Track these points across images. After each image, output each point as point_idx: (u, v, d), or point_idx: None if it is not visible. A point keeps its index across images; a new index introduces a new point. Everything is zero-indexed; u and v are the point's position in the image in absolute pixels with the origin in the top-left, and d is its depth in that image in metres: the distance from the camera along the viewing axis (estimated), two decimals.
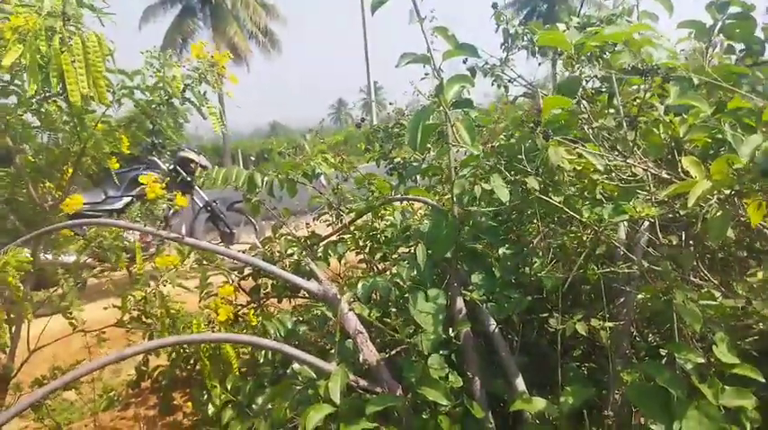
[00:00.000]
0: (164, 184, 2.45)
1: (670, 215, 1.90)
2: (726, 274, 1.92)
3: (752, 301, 1.53)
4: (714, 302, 1.61)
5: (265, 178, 2.84)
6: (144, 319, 2.36)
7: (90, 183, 5.53)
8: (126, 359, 1.68)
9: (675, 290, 1.41)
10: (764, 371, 1.82)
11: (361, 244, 3.00)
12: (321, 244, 3.02)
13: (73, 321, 2.28)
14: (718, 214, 1.36)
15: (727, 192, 1.40)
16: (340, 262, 3.05)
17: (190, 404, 3.39)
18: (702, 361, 1.39)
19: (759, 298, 1.64)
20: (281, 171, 2.87)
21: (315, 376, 1.90)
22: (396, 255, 2.80)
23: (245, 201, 2.91)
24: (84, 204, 5.29)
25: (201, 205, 5.99)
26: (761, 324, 1.80)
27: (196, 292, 2.76)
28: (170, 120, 2.20)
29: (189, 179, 5.72)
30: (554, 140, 1.56)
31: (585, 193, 1.72)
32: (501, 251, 2.30)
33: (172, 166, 5.85)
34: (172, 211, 5.59)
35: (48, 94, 2.10)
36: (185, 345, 2.40)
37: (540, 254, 1.95)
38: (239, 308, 2.89)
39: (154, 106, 2.21)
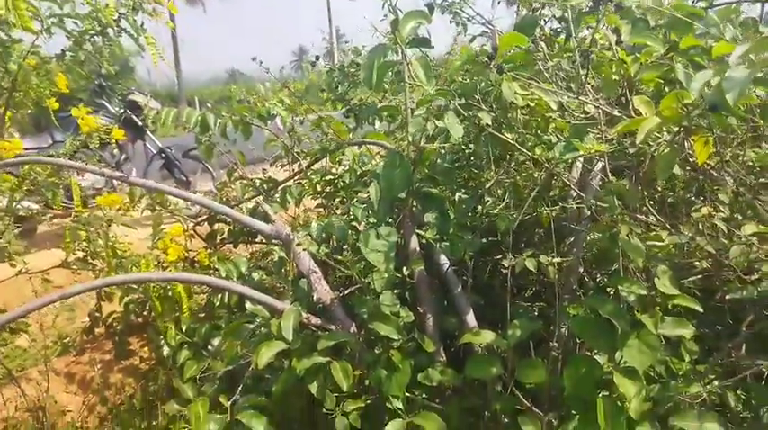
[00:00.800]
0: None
1: (623, 161, 1.92)
2: (675, 218, 1.98)
3: (695, 238, 1.58)
4: (660, 243, 1.66)
5: (218, 120, 2.75)
6: (90, 260, 2.30)
7: (34, 127, 5.28)
8: (69, 298, 1.64)
9: (620, 223, 1.44)
10: (706, 310, 1.91)
11: (318, 189, 2.96)
12: (278, 188, 2.97)
13: (13, 263, 2.20)
14: (667, 151, 1.38)
15: (676, 129, 1.42)
16: (298, 206, 3.02)
17: (146, 349, 3.38)
18: (644, 293, 1.43)
19: (704, 235, 1.69)
20: (236, 113, 2.78)
21: (269, 315, 1.90)
22: (354, 200, 2.78)
23: (197, 144, 2.82)
24: (31, 149, 5.05)
25: (155, 152, 5.80)
26: (704, 262, 1.88)
27: (144, 235, 2.70)
28: (106, 52, 2.08)
29: (140, 124, 5.49)
30: (507, 75, 1.54)
31: (538, 132, 1.72)
32: (457, 196, 2.31)
33: (122, 111, 5.61)
34: (123, 157, 5.40)
35: None
36: (136, 287, 2.35)
37: (495, 194, 1.96)
38: (194, 253, 2.84)
39: (87, 37, 2.07)
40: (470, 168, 2.39)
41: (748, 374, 1.60)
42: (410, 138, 1.91)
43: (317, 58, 3.10)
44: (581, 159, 1.98)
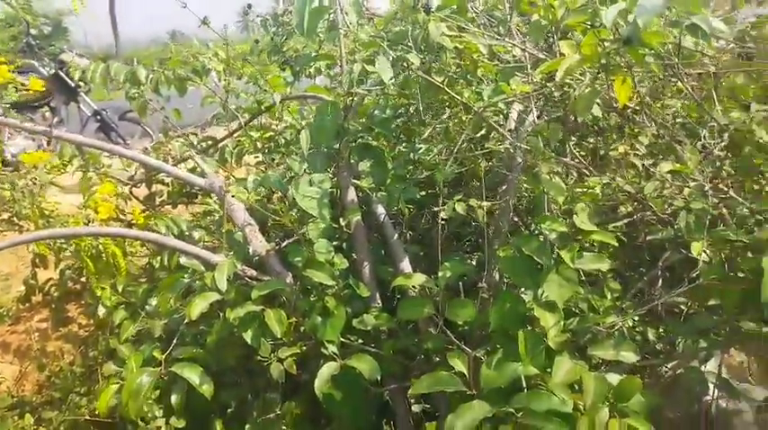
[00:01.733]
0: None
1: (557, 113, 1.96)
2: (605, 168, 2.04)
3: (615, 179, 1.64)
4: (586, 190, 1.71)
5: (150, 75, 2.64)
6: (16, 221, 2.20)
7: None
8: None
9: (541, 163, 1.47)
10: (629, 252, 1.99)
11: (259, 146, 2.91)
12: (217, 146, 2.90)
13: None
14: (587, 91, 1.42)
15: (596, 71, 1.46)
16: (238, 164, 2.97)
17: (84, 316, 3.29)
18: (565, 230, 1.48)
19: (624, 177, 1.76)
20: (169, 67, 2.68)
21: (204, 270, 1.87)
22: (292, 155, 2.74)
23: (128, 99, 2.71)
24: None
25: (90, 114, 5.54)
26: (627, 206, 1.95)
27: (79, 201, 2.60)
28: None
29: (72, 84, 5.22)
30: (435, 15, 1.53)
31: (468, 76, 1.72)
32: (398, 149, 2.31)
33: (53, 71, 5.31)
34: (56, 120, 5.15)
35: None
36: (66, 246, 2.26)
37: (430, 143, 1.97)
38: (131, 216, 2.76)
39: None
40: (409, 122, 2.39)
41: (662, 308, 1.69)
42: (344, 87, 1.89)
43: (249, 6, 2.97)
44: (516, 109, 2.01)
